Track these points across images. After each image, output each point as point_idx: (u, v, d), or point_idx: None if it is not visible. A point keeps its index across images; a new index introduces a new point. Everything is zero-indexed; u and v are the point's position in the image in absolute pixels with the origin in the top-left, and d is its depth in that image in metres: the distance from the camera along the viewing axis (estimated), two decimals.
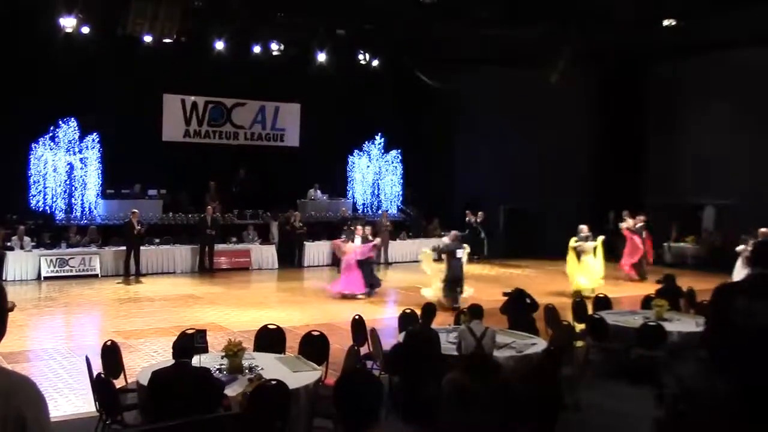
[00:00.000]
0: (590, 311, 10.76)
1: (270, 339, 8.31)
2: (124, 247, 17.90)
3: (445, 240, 15.42)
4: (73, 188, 19.49)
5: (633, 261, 18.66)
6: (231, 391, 6.21)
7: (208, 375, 5.99)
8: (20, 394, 2.24)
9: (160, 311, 13.89)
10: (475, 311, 7.77)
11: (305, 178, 22.97)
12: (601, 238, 16.41)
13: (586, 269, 15.97)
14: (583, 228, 16.31)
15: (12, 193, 18.83)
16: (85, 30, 18.09)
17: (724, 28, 18.69)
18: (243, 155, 22.85)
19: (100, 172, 19.76)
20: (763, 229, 15.15)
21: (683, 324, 9.50)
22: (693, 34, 19.25)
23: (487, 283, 17.00)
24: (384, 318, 12.83)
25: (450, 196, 24.95)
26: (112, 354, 7.48)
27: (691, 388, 3.75)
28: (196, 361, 6.53)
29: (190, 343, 6.05)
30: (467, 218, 22.56)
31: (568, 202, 21.25)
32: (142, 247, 18.08)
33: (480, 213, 22.52)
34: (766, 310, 3.64)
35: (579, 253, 16.09)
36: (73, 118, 19.24)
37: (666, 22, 18.51)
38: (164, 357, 8.48)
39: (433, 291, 14.37)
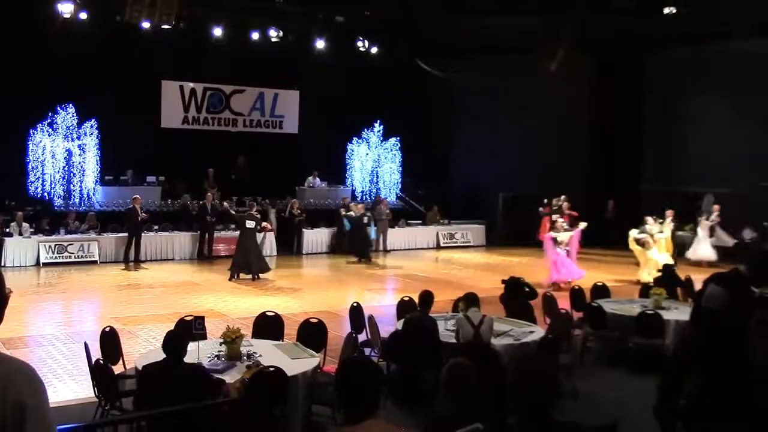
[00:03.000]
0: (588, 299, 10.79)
1: (268, 326, 8.33)
2: (123, 234, 17.90)
3: None
4: (72, 174, 19.43)
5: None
6: (229, 377, 6.22)
7: (200, 371, 5.85)
8: (19, 380, 2.24)
9: (159, 298, 13.90)
10: (471, 299, 7.74)
11: (304, 165, 22.93)
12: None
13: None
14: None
15: (10, 180, 18.77)
16: (83, 16, 18.02)
17: (725, 17, 18.61)
18: (242, 142, 22.81)
19: (98, 158, 19.70)
20: (716, 206, 19.21)
21: (681, 312, 9.52)
22: (693, 23, 19.17)
23: (485, 272, 17.03)
24: (382, 305, 12.83)
25: (448, 184, 24.91)
26: (110, 340, 7.50)
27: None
28: (194, 347, 6.54)
29: (178, 341, 5.82)
30: (347, 211, 20.08)
31: (566, 190, 21.19)
32: (142, 234, 18.09)
33: (361, 205, 20.43)
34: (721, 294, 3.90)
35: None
36: (71, 105, 19.17)
37: (666, 11, 18.45)
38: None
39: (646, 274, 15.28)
